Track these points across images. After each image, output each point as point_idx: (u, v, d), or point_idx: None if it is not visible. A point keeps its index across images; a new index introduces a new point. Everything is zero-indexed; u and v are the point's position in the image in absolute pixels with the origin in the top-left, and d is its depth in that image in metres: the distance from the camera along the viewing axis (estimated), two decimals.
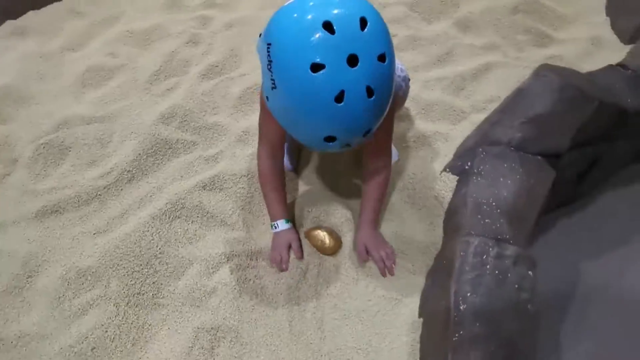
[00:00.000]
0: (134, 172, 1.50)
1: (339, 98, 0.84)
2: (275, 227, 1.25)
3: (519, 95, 1.27)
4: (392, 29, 1.19)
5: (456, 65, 1.81)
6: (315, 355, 1.07)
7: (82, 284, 1.23)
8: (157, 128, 1.61)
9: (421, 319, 1.08)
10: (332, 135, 0.91)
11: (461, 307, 0.89)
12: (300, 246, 1.25)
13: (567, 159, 1.28)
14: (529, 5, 2.03)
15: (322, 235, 1.24)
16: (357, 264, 1.21)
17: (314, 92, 0.85)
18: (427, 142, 1.50)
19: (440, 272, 1.06)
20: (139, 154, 1.53)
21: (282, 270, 1.22)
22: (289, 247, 1.24)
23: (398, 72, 1.25)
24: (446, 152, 1.44)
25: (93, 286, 1.23)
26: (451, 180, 1.30)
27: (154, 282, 1.23)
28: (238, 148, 1.56)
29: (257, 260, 1.27)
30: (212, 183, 1.45)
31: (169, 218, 1.36)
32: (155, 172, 1.51)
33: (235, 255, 1.27)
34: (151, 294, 1.21)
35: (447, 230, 1.19)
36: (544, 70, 1.26)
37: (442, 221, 1.25)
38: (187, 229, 1.35)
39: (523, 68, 1.74)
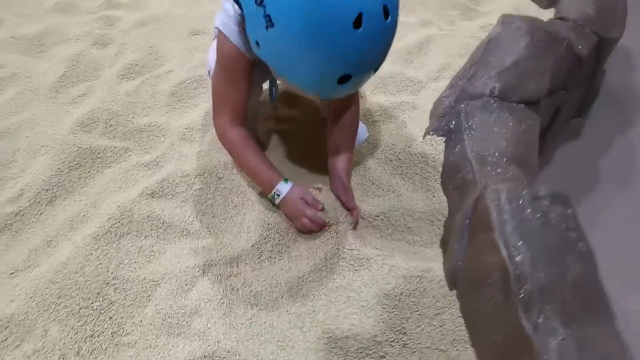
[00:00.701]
0: (55, 190, 1.18)
1: (357, 22, 0.69)
2: (278, 195, 1.05)
3: (490, 45, 1.22)
4: None
5: (397, 41, 1.75)
6: None
7: (6, 339, 0.90)
8: (75, 137, 1.31)
9: (454, 291, 0.94)
10: (347, 74, 0.76)
11: (517, 259, 0.77)
12: (315, 198, 1.07)
13: (541, 107, 1.25)
14: None
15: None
16: (359, 243, 1.04)
17: (328, 19, 0.69)
18: (395, 113, 1.40)
19: (464, 234, 0.94)
20: (58, 169, 1.22)
21: (322, 228, 1.04)
22: (307, 203, 1.05)
23: None
24: (418, 119, 1.34)
25: (23, 339, 0.90)
26: (437, 142, 1.21)
27: (110, 317, 0.94)
28: (184, 147, 1.32)
29: (239, 266, 1.04)
30: (161, 189, 1.19)
31: (115, 236, 1.07)
32: (83, 188, 1.20)
33: (212, 264, 1.03)
34: (110, 333, 0.92)
35: (450, 191, 1.07)
36: (510, 18, 1.23)
37: (441, 184, 1.14)
38: (141, 246, 1.07)
39: (461, 37, 1.75)
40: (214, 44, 1.09)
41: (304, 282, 0.99)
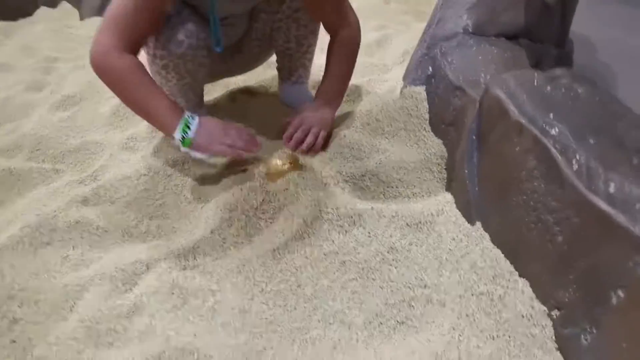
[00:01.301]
0: None
1: None
2: (189, 125, 0.82)
3: None
4: None
5: None
6: (356, 338, 0.61)
7: None
8: None
9: (478, 224, 0.71)
10: None
11: (553, 132, 0.57)
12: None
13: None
14: None
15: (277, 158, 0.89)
16: (346, 196, 0.82)
17: None
18: (366, 89, 1.25)
19: (472, 153, 0.74)
20: None
21: (254, 146, 0.84)
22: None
23: None
24: (391, 83, 1.20)
25: None
26: (417, 92, 1.04)
27: (13, 341, 0.66)
28: (126, 154, 1.11)
29: (196, 258, 0.79)
30: (95, 196, 0.96)
31: (29, 246, 0.82)
32: None
33: (160, 259, 0.78)
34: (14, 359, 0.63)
35: (444, 129, 0.89)
36: None
37: (432, 130, 0.96)
38: (66, 255, 0.82)
39: (418, 32, 1.67)
40: None
41: (281, 255, 0.74)
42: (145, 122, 1.26)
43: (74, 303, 0.71)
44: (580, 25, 1.65)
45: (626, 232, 0.46)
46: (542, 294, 0.57)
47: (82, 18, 2.39)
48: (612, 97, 0.64)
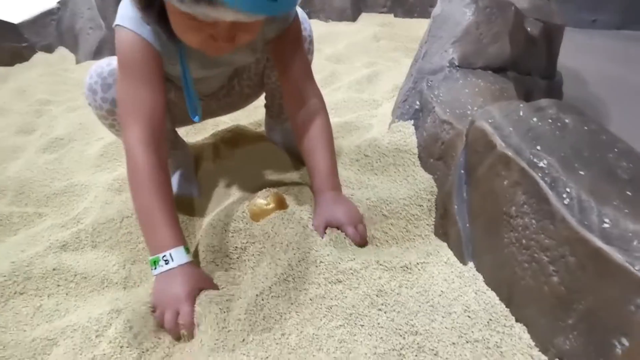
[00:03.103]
0: None
1: None
2: (167, 262, 0.72)
3: (436, 22, 1.12)
4: None
5: (346, 76, 1.69)
6: None
7: None
8: None
9: (470, 264, 0.67)
10: None
11: (541, 164, 0.54)
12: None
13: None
14: (386, 34, 2.10)
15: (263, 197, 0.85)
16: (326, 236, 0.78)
17: None
18: (355, 125, 1.24)
19: (461, 187, 0.71)
20: None
21: (179, 332, 0.69)
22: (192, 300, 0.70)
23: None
24: (381, 124, 1.18)
25: None
26: (406, 127, 1.02)
27: None
28: (111, 196, 1.09)
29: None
30: (76, 241, 0.93)
31: (1, 297, 0.78)
32: None
33: (135, 303, 0.74)
34: None
35: (433, 164, 0.87)
36: None
37: (421, 165, 0.93)
38: (39, 306, 0.78)
39: (408, 68, 1.69)
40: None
41: (264, 300, 0.70)
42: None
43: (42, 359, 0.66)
44: (569, 57, 1.66)
45: (625, 272, 0.42)
46: (541, 341, 0.53)
47: (78, 62, 2.43)
48: (601, 126, 0.62)
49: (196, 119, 0.87)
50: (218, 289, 0.75)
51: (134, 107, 0.78)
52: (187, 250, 0.75)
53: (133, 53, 0.79)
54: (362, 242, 0.80)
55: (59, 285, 0.83)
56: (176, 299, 0.69)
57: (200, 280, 0.74)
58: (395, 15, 2.32)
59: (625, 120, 1.40)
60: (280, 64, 0.89)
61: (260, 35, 0.84)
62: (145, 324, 0.70)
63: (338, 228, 0.80)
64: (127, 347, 0.66)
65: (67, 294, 0.82)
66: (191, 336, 0.67)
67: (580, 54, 1.96)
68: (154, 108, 0.79)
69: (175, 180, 1.06)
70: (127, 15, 0.79)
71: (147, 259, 0.90)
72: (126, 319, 0.70)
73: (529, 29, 1.30)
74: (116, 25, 0.80)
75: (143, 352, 0.67)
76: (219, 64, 0.90)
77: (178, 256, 0.73)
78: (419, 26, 2.16)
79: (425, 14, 2.25)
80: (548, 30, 1.38)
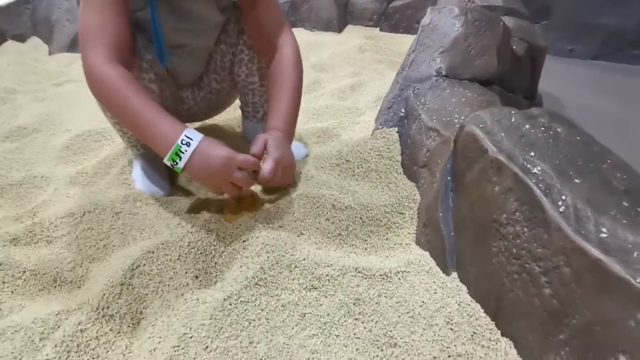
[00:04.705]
0: None
1: None
2: (189, 144, 0.69)
3: (425, 32, 1.11)
4: None
5: (329, 84, 1.66)
6: None
7: None
8: None
9: (454, 274, 0.63)
10: None
11: (535, 170, 0.52)
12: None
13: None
14: (371, 46, 2.09)
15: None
16: (310, 240, 0.74)
17: None
18: (337, 131, 1.21)
19: (447, 195, 0.68)
20: None
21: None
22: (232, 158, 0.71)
23: None
24: (364, 130, 1.15)
25: None
26: (390, 134, 0.99)
27: None
28: (72, 189, 1.02)
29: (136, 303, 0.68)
30: (29, 235, 0.86)
31: None
32: None
33: (85, 304, 0.67)
34: None
35: (417, 171, 0.84)
36: (438, 6, 1.15)
37: (404, 173, 0.90)
38: None
39: (392, 80, 1.68)
40: None
41: (232, 305, 0.64)
42: (101, 155, 1.18)
43: None
44: (547, 83, 1.69)
45: (625, 285, 0.40)
46: (529, 357, 0.49)
47: (51, 53, 2.33)
48: (592, 138, 0.60)
49: (163, 63, 0.87)
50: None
51: (98, 30, 0.75)
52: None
53: None
54: (266, 179, 0.77)
55: (4, 282, 0.75)
56: (227, 163, 0.70)
57: (219, 143, 0.73)
58: (381, 29, 2.33)
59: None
60: (247, 13, 0.90)
61: None
62: (101, 327, 0.63)
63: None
64: (76, 352, 0.59)
65: (12, 292, 0.74)
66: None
67: (558, 80, 2.00)
68: (119, 30, 0.76)
69: (146, 177, 1.00)
70: None
71: (107, 257, 0.83)
72: (77, 321, 0.63)
73: (514, 47, 1.30)
74: None
75: (94, 358, 0.60)
76: (188, 16, 0.88)
77: (193, 134, 0.71)
78: (403, 41, 2.17)
79: (410, 30, 2.26)
80: (532, 50, 1.40)
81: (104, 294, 0.70)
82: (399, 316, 0.60)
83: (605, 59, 2.30)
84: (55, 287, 0.76)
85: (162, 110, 0.72)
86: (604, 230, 0.44)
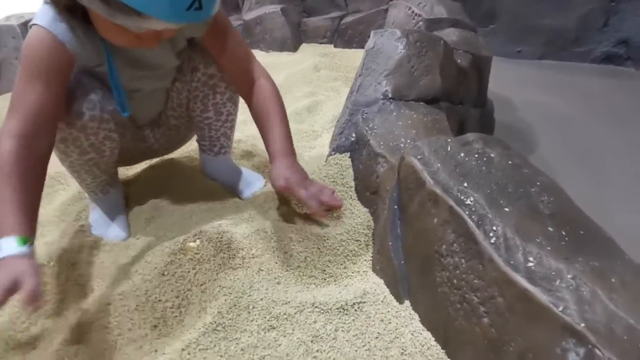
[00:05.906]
0: None
1: None
2: None
3: (369, 56, 1.14)
4: None
5: (289, 108, 1.67)
6: None
7: None
8: None
9: (407, 302, 0.65)
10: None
11: (468, 202, 0.54)
12: (38, 286, 0.62)
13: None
14: (326, 64, 2.13)
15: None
16: (267, 278, 0.75)
17: None
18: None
19: (395, 223, 0.70)
20: None
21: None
22: (12, 287, 0.62)
23: None
24: (318, 157, 1.17)
25: None
26: (343, 160, 1.01)
27: None
28: None
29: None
30: None
31: None
32: None
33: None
34: None
35: (369, 198, 0.86)
36: (380, 30, 1.19)
37: (358, 199, 0.92)
38: None
39: (345, 100, 1.71)
40: None
41: (191, 355, 0.64)
42: (55, 201, 1.15)
43: None
44: (498, 85, 1.76)
45: (549, 313, 0.42)
46: None
47: (0, 93, 2.26)
48: (523, 159, 0.63)
49: (125, 114, 0.88)
50: (39, 283, 0.63)
51: (19, 102, 0.76)
52: (24, 241, 0.67)
53: (40, 52, 0.77)
54: (317, 210, 0.83)
55: None
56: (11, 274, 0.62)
57: (21, 272, 0.63)
58: (335, 46, 2.36)
59: (548, 142, 1.51)
60: (219, 55, 0.93)
61: (180, 35, 0.88)
62: None
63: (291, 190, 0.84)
64: None
65: None
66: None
67: (508, 82, 2.08)
68: (41, 105, 0.76)
69: (103, 223, 0.99)
70: (45, 14, 0.77)
71: (64, 312, 0.81)
72: None
73: (459, 60, 1.35)
74: (32, 24, 0.77)
75: None
76: (146, 64, 0.89)
77: (9, 246, 0.65)
78: (357, 56, 2.20)
79: (363, 44, 2.30)
80: (477, 61, 1.45)
81: (59, 355, 0.68)
82: (356, 350, 0.61)
83: (550, 58, 2.40)
84: (8, 351, 0.74)
85: (17, 206, 0.69)
86: (531, 259, 0.47)
